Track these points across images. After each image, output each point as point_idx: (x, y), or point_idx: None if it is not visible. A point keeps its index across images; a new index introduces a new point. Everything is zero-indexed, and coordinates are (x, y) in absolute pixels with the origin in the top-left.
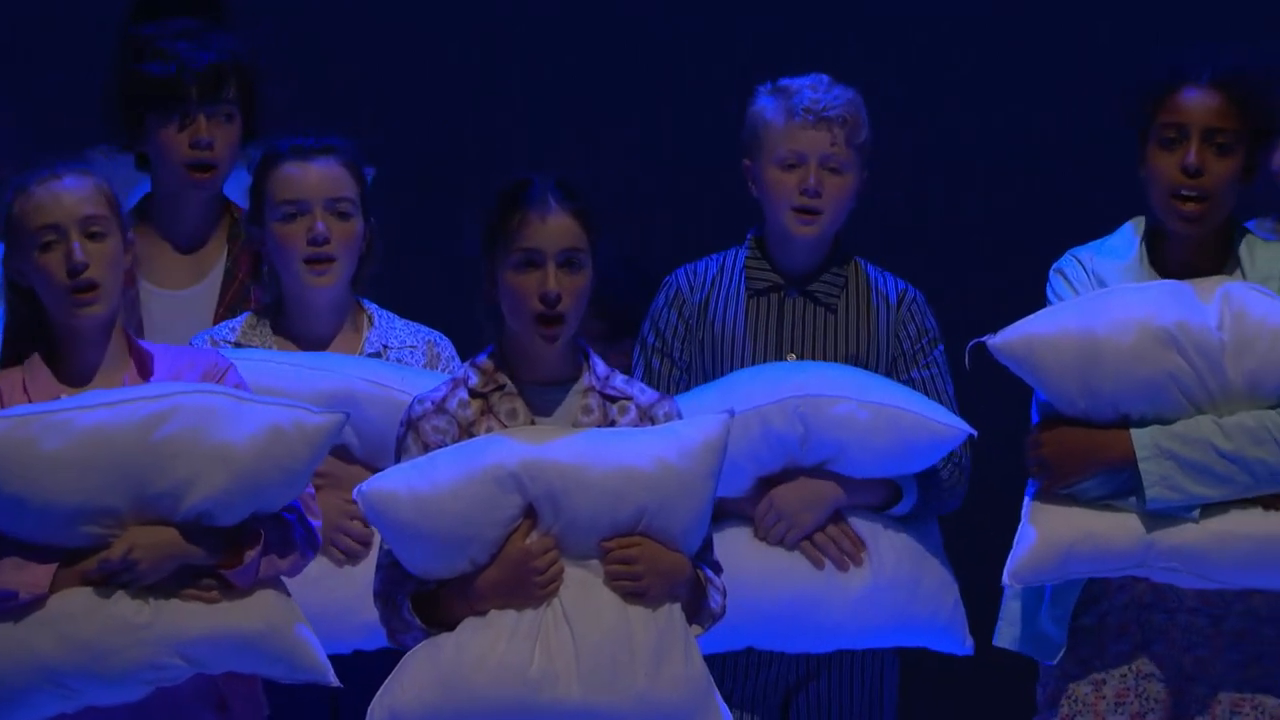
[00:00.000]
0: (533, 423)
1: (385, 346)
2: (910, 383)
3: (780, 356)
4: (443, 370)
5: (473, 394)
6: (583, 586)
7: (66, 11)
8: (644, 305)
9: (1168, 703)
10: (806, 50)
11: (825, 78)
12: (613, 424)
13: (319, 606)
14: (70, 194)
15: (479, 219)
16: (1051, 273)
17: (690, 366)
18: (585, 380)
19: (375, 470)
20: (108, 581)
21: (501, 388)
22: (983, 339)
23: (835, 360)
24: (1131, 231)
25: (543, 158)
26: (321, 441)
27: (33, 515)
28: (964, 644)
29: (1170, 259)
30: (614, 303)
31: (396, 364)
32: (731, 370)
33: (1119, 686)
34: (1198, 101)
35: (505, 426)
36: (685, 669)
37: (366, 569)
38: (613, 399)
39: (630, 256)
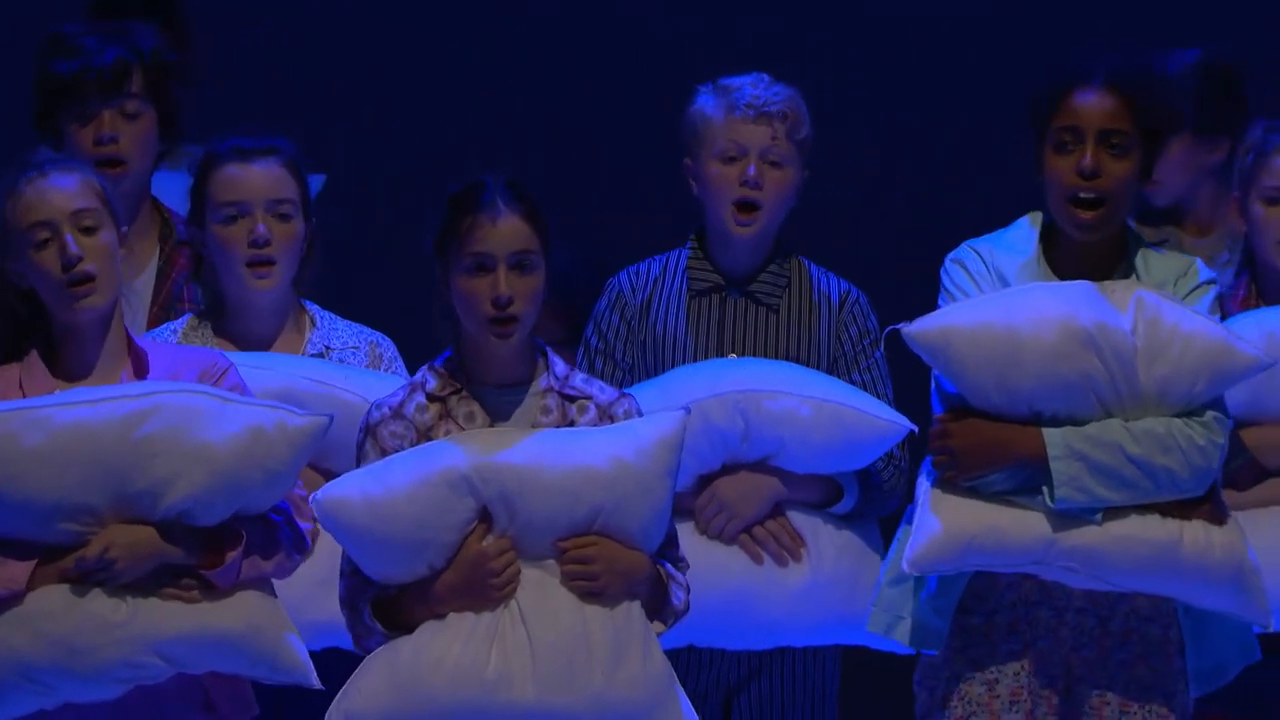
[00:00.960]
0: (491, 425)
1: (328, 347)
2: (851, 384)
3: (721, 356)
4: (385, 371)
5: (430, 398)
6: (540, 587)
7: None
8: None
9: (1056, 701)
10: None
11: (766, 76)
12: (572, 423)
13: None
14: (59, 190)
15: (431, 222)
16: (949, 263)
17: (633, 368)
18: (543, 381)
19: (319, 470)
20: (85, 580)
21: (459, 391)
22: (898, 326)
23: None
24: (1028, 226)
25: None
26: (304, 443)
27: (11, 511)
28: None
29: (1066, 260)
30: (574, 307)
31: (340, 364)
32: (673, 369)
33: (1012, 685)
34: (1092, 103)
35: (463, 430)
36: (644, 668)
37: (313, 569)
38: (571, 398)
39: (590, 259)
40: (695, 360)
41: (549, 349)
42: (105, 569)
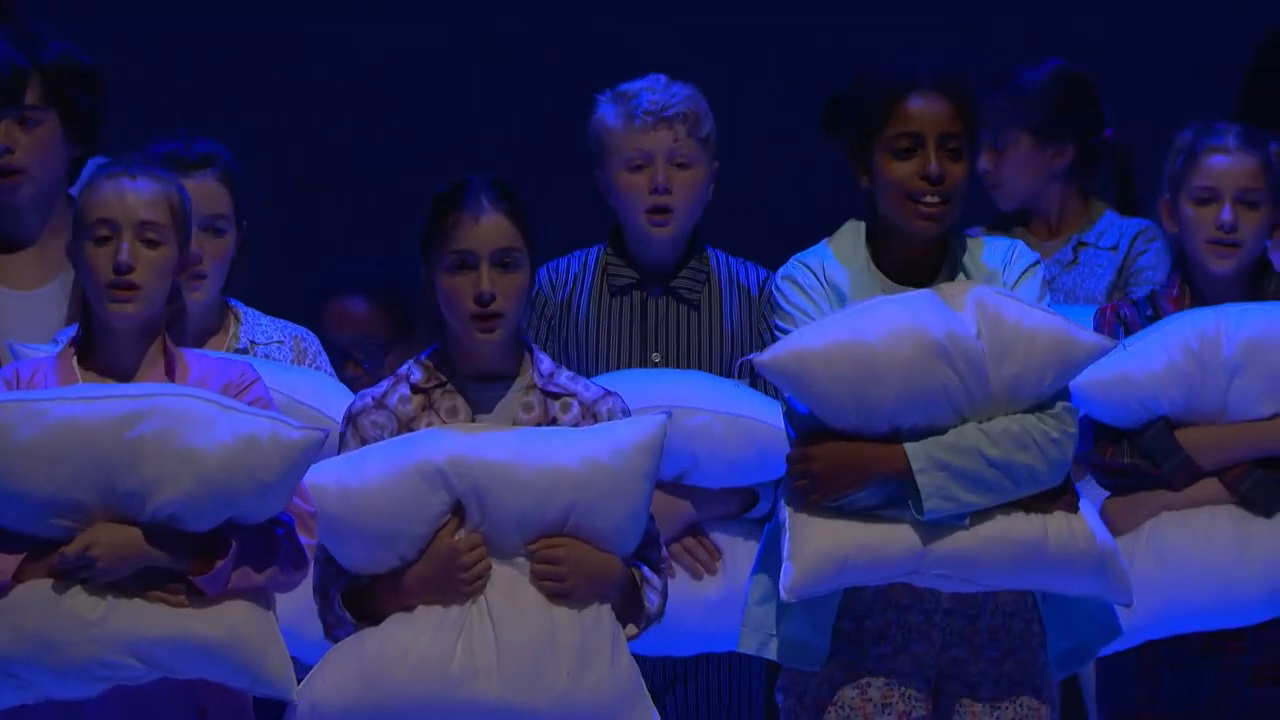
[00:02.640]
0: (473, 419)
1: (252, 342)
2: None
3: (644, 355)
4: (309, 365)
5: (414, 390)
6: (509, 585)
7: None
8: None
9: (929, 703)
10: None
11: (662, 77)
12: (554, 421)
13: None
14: (135, 195)
15: (416, 221)
16: (781, 281)
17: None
18: (528, 377)
19: None
20: (67, 576)
21: (443, 384)
22: (749, 357)
23: (699, 358)
24: (854, 235)
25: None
26: (298, 456)
27: (2, 503)
28: None
29: (895, 262)
30: (400, 307)
31: (264, 360)
32: (595, 370)
33: (884, 689)
34: (928, 108)
35: (445, 423)
36: (611, 671)
37: None
38: (555, 395)
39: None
40: (617, 359)
41: (535, 347)
42: (86, 567)
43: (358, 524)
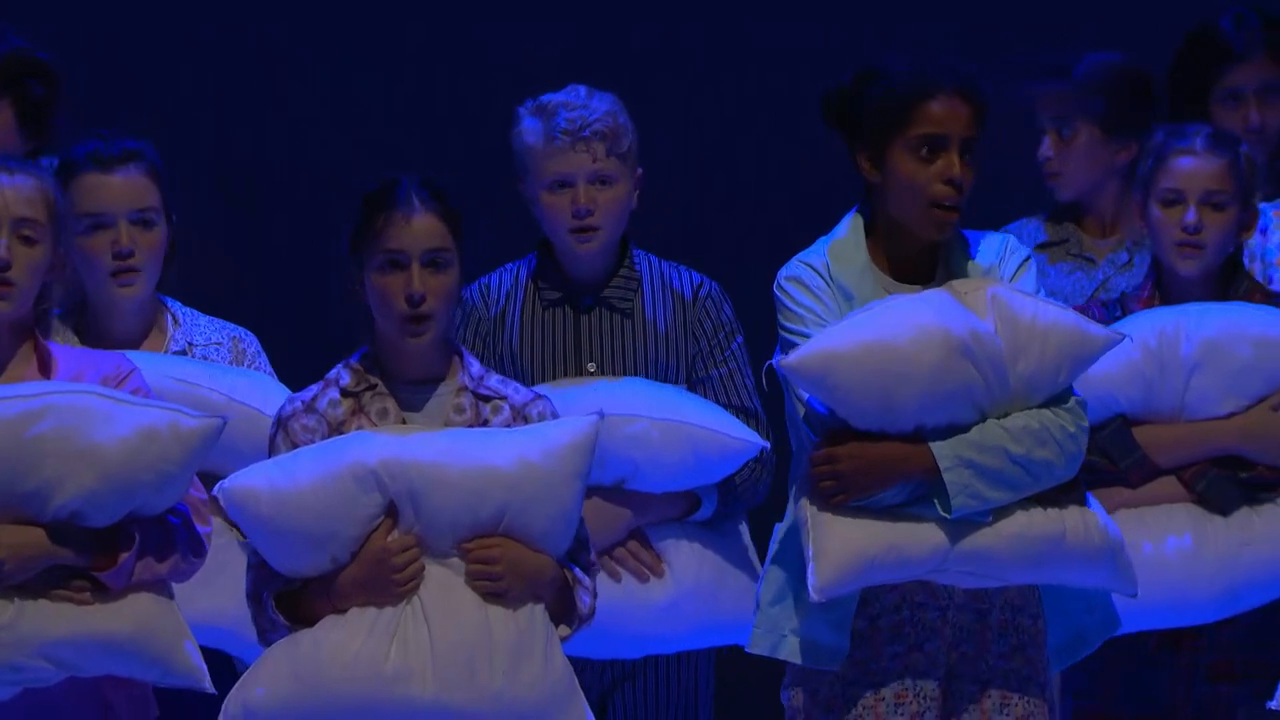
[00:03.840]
0: (404, 422)
1: (190, 344)
2: (710, 381)
3: (580, 366)
4: (249, 367)
5: (344, 393)
6: (443, 585)
7: None
8: None
9: (940, 700)
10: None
11: (582, 89)
12: (485, 423)
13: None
14: (13, 191)
15: (345, 221)
16: (785, 282)
17: None
18: (458, 379)
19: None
20: None
21: (373, 387)
22: (773, 362)
23: (635, 366)
24: (853, 232)
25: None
26: (198, 445)
27: None
28: None
29: (895, 260)
30: None
31: (203, 361)
32: (530, 384)
33: (898, 688)
34: (953, 112)
35: (376, 425)
36: (544, 670)
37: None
38: (486, 398)
39: None
40: (552, 372)
41: (465, 349)
42: None
43: (290, 527)
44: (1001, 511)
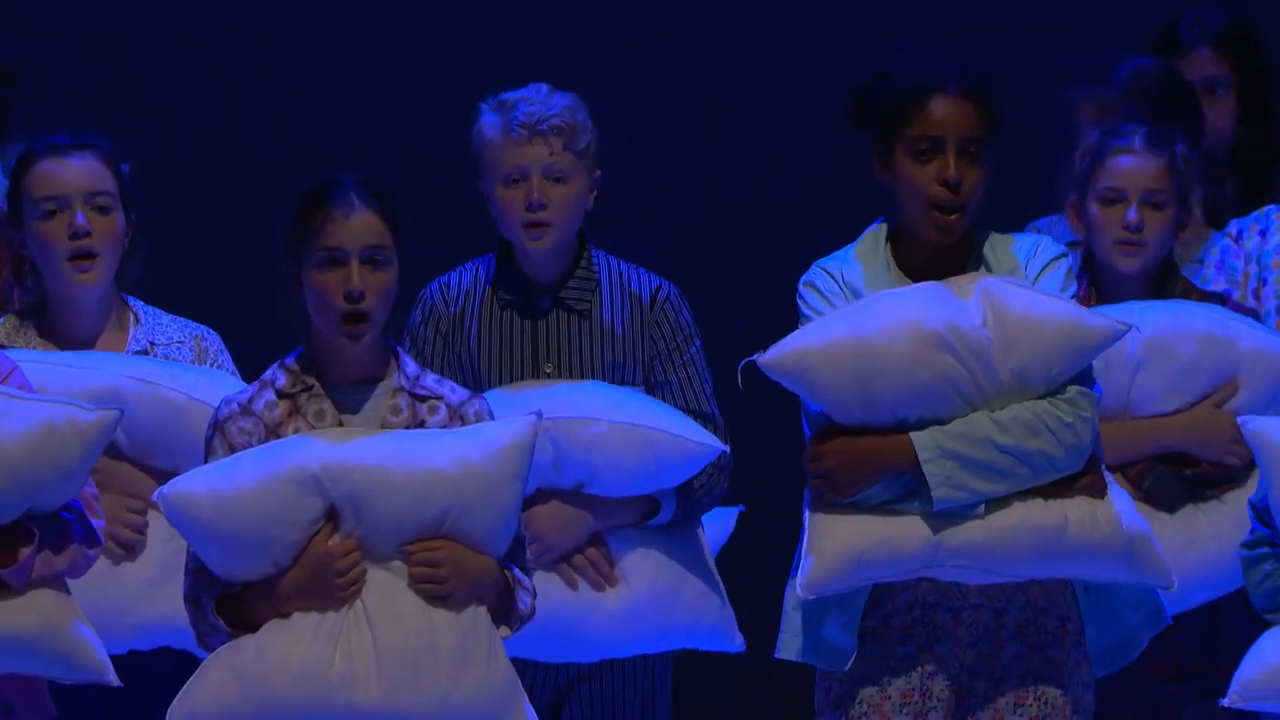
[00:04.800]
0: (341, 423)
1: (151, 343)
2: (668, 385)
3: (537, 368)
4: (211, 365)
5: (280, 395)
6: (386, 589)
7: None
8: None
9: (951, 700)
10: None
11: (544, 86)
12: (422, 424)
13: (93, 608)
14: None
15: (282, 219)
16: (802, 287)
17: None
18: (395, 380)
19: (144, 468)
20: None
21: (309, 389)
22: (753, 358)
23: (593, 368)
24: (875, 236)
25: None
26: (96, 438)
27: None
28: (734, 642)
29: (917, 261)
30: None
31: (163, 361)
32: (489, 384)
33: (904, 687)
34: (952, 112)
35: (313, 427)
36: (488, 671)
37: (141, 568)
38: (422, 398)
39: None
40: (510, 372)
41: (400, 350)
42: None
43: (231, 531)
44: (996, 504)
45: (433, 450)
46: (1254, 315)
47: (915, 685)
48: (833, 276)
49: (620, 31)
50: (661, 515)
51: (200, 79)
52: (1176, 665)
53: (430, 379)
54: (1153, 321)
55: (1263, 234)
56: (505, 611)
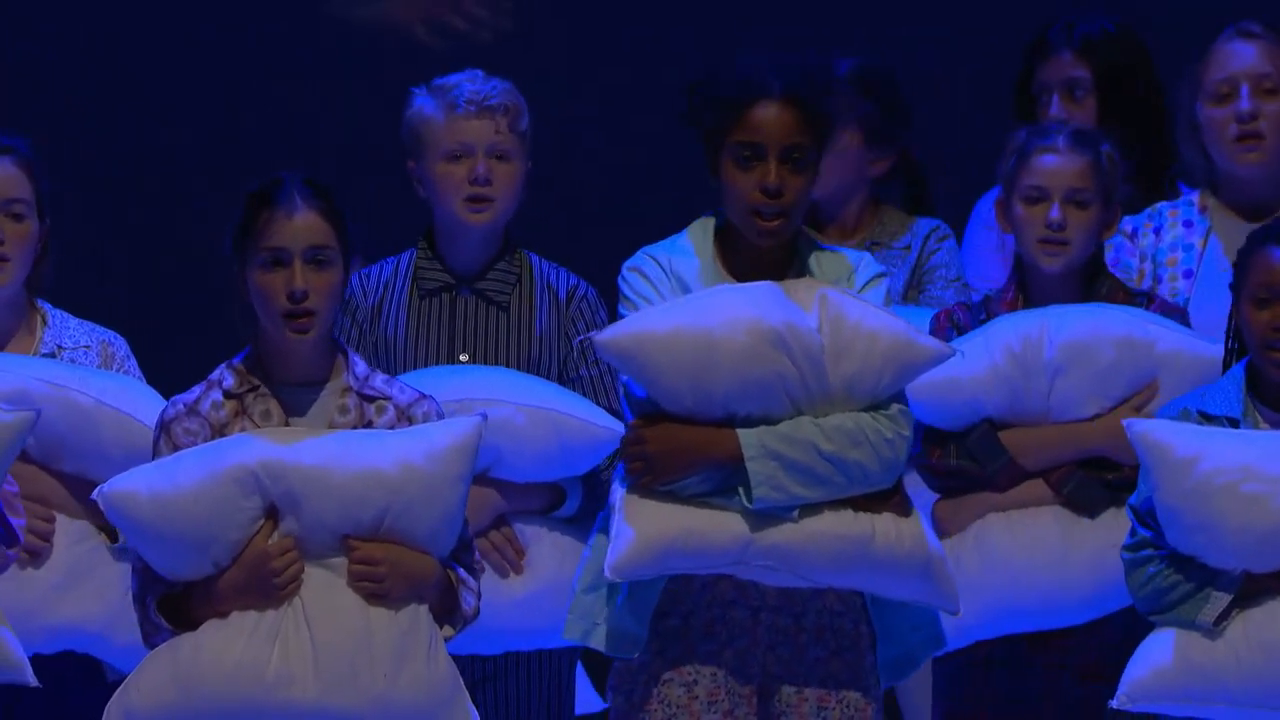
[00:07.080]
0: (287, 424)
1: (60, 347)
2: (580, 380)
3: (452, 357)
4: (117, 370)
5: (227, 395)
6: (325, 587)
7: None
8: None
9: (754, 700)
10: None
11: (479, 72)
12: (370, 424)
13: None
14: None
15: (229, 220)
16: (627, 271)
17: None
18: (343, 380)
19: (52, 472)
20: None
21: (256, 389)
22: (589, 335)
23: (508, 360)
24: (703, 230)
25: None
26: (11, 439)
27: None
28: None
29: (742, 263)
30: None
31: (72, 364)
32: (405, 370)
33: (710, 686)
34: (773, 119)
35: (259, 427)
36: (428, 671)
37: (48, 573)
38: (371, 399)
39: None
40: (425, 362)
41: (350, 350)
42: None
43: (171, 530)
44: (810, 509)
45: (374, 451)
46: (1180, 314)
47: (721, 683)
48: (660, 265)
49: (611, 35)
50: (568, 506)
51: (200, 79)
52: (1100, 666)
53: (379, 379)
54: (1071, 326)
55: (1157, 231)
56: (448, 611)
